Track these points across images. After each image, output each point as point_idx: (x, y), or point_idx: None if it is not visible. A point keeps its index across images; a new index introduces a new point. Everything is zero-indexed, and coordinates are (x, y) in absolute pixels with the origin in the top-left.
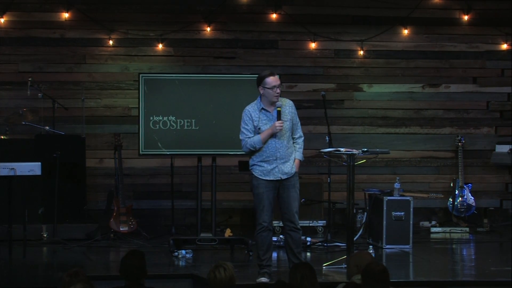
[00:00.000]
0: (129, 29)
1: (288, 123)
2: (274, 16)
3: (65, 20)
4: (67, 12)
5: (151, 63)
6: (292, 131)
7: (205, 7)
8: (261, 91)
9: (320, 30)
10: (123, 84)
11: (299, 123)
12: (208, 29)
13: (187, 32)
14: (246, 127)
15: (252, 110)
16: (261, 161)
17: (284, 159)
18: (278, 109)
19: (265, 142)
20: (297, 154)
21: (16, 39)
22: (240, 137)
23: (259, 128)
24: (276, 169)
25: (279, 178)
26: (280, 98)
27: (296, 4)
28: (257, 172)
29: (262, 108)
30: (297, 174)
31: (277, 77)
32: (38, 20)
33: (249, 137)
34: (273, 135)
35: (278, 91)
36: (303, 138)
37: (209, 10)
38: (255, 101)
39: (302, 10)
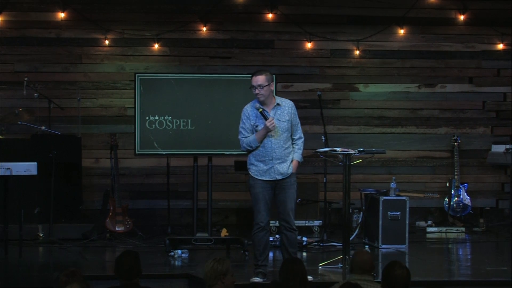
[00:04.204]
0: (125, 29)
1: (286, 123)
2: (270, 16)
3: (61, 20)
4: (63, 12)
5: (147, 63)
6: (292, 132)
7: (201, 7)
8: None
9: (316, 30)
10: (119, 84)
11: (299, 124)
12: (204, 29)
13: (183, 32)
14: (243, 126)
15: (250, 109)
16: (257, 161)
17: (280, 160)
18: (260, 110)
19: (260, 141)
20: (296, 155)
21: (12, 39)
22: (239, 137)
23: (257, 126)
24: (272, 169)
25: (275, 179)
26: (280, 99)
27: (292, 4)
28: (253, 171)
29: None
30: (295, 174)
31: (259, 77)
32: (34, 20)
33: (246, 137)
34: (270, 135)
35: (257, 91)
36: (303, 139)
37: (205, 10)
38: (254, 100)
39: (298, 10)
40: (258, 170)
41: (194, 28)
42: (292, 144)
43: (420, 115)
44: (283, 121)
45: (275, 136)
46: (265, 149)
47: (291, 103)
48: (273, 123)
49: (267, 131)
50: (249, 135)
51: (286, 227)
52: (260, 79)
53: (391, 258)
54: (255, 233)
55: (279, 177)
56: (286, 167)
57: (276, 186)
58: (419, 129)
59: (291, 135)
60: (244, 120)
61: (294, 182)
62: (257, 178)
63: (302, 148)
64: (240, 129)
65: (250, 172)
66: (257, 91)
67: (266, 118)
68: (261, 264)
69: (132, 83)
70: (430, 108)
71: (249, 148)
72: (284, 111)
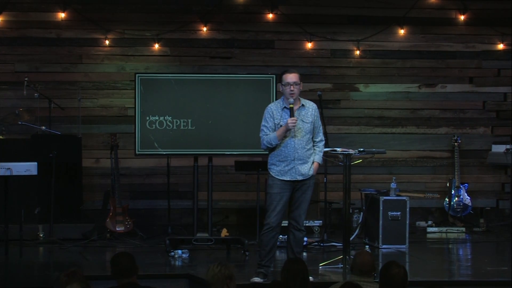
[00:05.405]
0: (125, 29)
1: (309, 125)
2: (270, 16)
3: (61, 20)
4: (63, 12)
5: (147, 63)
6: (313, 134)
7: (201, 7)
8: (280, 89)
9: (316, 30)
10: (119, 84)
11: (321, 127)
12: (204, 29)
13: (183, 32)
14: (266, 124)
15: (274, 108)
16: (278, 161)
17: (302, 160)
18: (291, 106)
19: (280, 139)
20: (316, 157)
21: (12, 39)
22: (260, 135)
23: (280, 126)
24: (293, 170)
25: (295, 179)
26: (304, 100)
27: (292, 4)
28: (274, 171)
29: (285, 107)
30: (314, 176)
31: (293, 74)
32: (34, 20)
33: (267, 134)
34: (292, 135)
35: (293, 88)
36: (324, 142)
37: (205, 10)
38: (279, 99)
39: (298, 10)
40: (279, 170)
41: (194, 28)
42: (313, 146)
43: (420, 115)
44: (307, 122)
45: (298, 136)
46: (288, 149)
47: (314, 105)
48: (294, 122)
49: (287, 130)
50: (270, 133)
51: (295, 227)
52: (295, 76)
53: (392, 258)
54: (265, 233)
55: (299, 178)
56: (307, 168)
57: (295, 186)
58: (419, 129)
59: (312, 137)
60: (267, 118)
61: (313, 184)
62: (276, 178)
63: (323, 150)
64: (262, 127)
65: (270, 172)
66: (291, 88)
67: (292, 116)
68: (264, 265)
69: (133, 83)
70: (430, 108)
71: (269, 145)
72: (308, 112)
